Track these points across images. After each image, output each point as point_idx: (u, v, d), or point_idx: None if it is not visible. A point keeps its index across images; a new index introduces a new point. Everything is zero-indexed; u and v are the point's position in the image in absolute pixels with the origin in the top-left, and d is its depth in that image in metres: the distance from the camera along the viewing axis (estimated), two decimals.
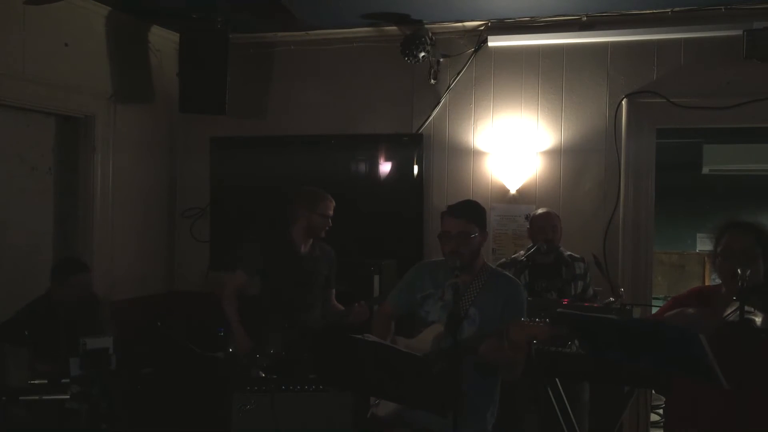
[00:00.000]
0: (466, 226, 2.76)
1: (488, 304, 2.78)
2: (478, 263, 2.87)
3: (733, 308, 2.37)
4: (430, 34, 4.85)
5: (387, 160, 5.11)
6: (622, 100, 4.69)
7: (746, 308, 2.32)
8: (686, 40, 4.55)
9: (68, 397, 3.26)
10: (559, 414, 3.75)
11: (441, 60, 4.97)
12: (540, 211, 4.26)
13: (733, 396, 2.30)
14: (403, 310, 2.99)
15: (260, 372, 3.71)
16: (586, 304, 3.89)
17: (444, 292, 2.75)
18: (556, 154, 4.82)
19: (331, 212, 4.06)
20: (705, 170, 7.78)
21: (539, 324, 2.49)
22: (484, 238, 2.85)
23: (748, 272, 2.35)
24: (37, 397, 3.27)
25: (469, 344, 2.66)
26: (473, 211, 2.84)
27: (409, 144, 5.05)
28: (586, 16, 4.67)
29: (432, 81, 4.98)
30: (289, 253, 4.05)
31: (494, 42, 4.87)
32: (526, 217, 4.46)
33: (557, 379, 3.78)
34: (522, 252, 4.20)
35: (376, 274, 4.55)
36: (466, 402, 2.62)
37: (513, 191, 4.86)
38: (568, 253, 4.20)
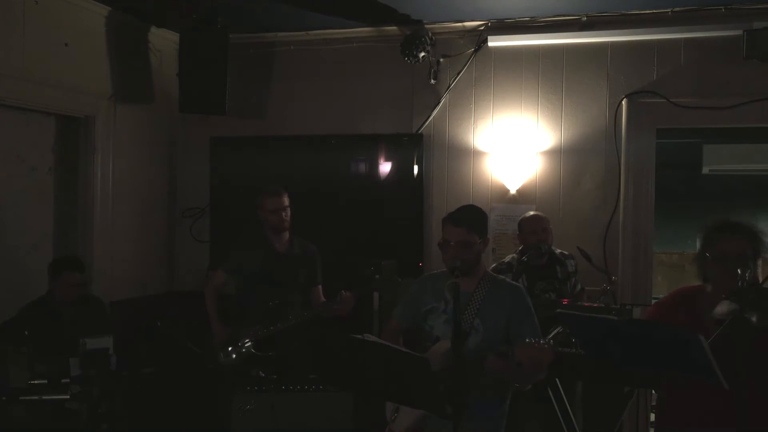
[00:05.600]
0: (465, 235, 2.73)
1: (492, 315, 2.76)
2: (480, 270, 2.85)
3: (724, 308, 2.38)
4: (430, 34, 4.85)
5: (387, 160, 5.11)
6: (622, 100, 4.69)
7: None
8: (686, 40, 4.55)
9: (68, 397, 3.26)
10: (559, 414, 3.76)
11: (441, 60, 4.97)
12: (529, 214, 4.28)
13: (730, 396, 2.30)
14: (408, 323, 2.97)
15: (260, 372, 3.71)
16: (586, 304, 3.90)
17: (446, 304, 2.75)
18: (556, 154, 4.82)
19: (279, 205, 4.04)
20: (705, 170, 7.77)
21: (545, 347, 2.47)
22: (484, 245, 2.82)
23: (748, 273, 2.37)
24: (37, 397, 3.27)
25: (474, 358, 2.65)
26: (473, 219, 2.80)
27: (409, 144, 5.05)
28: (586, 16, 4.67)
29: (432, 81, 4.98)
30: (265, 253, 4.08)
31: (494, 42, 4.87)
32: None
33: (557, 379, 3.79)
34: (515, 255, 4.20)
35: (376, 275, 4.55)
36: (474, 413, 2.61)
37: (513, 191, 4.86)
38: (559, 251, 4.22)
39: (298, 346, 3.99)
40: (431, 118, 5.06)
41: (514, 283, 2.94)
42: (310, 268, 4.17)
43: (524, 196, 4.85)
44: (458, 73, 4.99)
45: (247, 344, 3.86)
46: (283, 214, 4.06)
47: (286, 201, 4.09)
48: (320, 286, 4.19)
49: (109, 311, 4.52)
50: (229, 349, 3.88)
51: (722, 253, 2.51)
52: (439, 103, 5.04)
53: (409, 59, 4.83)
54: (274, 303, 3.97)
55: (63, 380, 3.34)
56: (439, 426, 2.56)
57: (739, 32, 4.33)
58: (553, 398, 3.79)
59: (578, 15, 4.68)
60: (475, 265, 2.80)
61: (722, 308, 2.38)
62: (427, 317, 2.86)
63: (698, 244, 2.63)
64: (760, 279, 2.54)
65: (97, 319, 4.05)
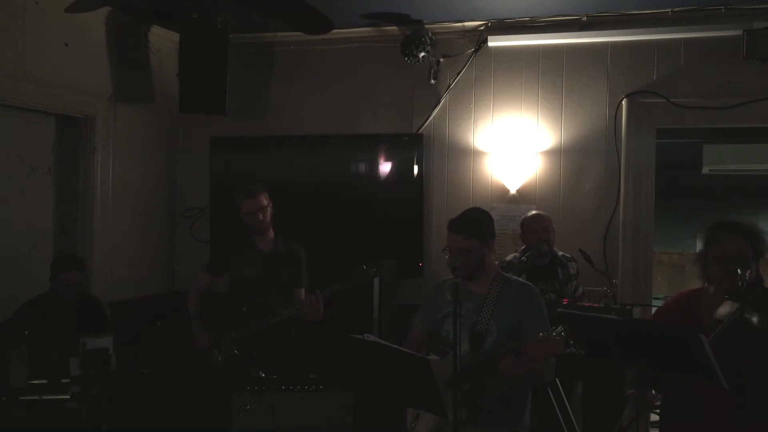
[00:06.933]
0: (463, 242, 2.75)
1: (505, 315, 2.77)
2: (489, 271, 2.85)
3: (726, 309, 2.38)
4: (430, 34, 4.85)
5: (387, 160, 5.11)
6: (622, 100, 4.69)
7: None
8: (686, 40, 4.55)
9: (68, 397, 3.26)
10: (558, 414, 3.76)
11: (441, 60, 4.97)
12: (531, 213, 4.28)
13: (731, 396, 2.30)
14: (429, 331, 2.98)
15: (260, 372, 3.71)
16: (586, 304, 3.90)
17: (461, 308, 2.75)
18: (556, 154, 4.82)
19: (255, 207, 3.94)
20: (705, 170, 7.78)
21: (555, 339, 2.48)
22: (489, 248, 2.82)
23: (748, 273, 2.37)
24: (37, 397, 3.27)
25: (488, 358, 2.66)
26: (473, 224, 2.80)
27: (409, 144, 5.05)
28: (586, 16, 4.67)
29: (432, 81, 4.98)
30: (249, 252, 4.02)
31: (494, 42, 4.87)
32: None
33: (557, 379, 3.78)
34: (517, 254, 4.20)
35: (375, 276, 4.54)
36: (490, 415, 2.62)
37: (513, 191, 4.86)
38: (561, 253, 4.22)
39: (294, 348, 4.00)
40: (431, 118, 5.06)
41: (526, 282, 2.94)
42: (294, 269, 4.07)
43: (524, 196, 4.85)
44: (458, 73, 4.99)
45: (231, 346, 3.86)
46: (260, 215, 3.94)
47: (263, 201, 3.97)
48: (303, 290, 4.05)
49: (108, 311, 4.52)
50: (214, 351, 3.87)
51: (722, 252, 2.51)
52: (439, 103, 5.04)
53: (409, 59, 4.83)
54: (256, 302, 3.91)
55: (63, 380, 3.34)
56: None
57: (739, 32, 4.33)
58: (552, 398, 3.79)
59: (578, 15, 4.67)
60: (480, 268, 2.80)
61: (724, 309, 2.38)
62: (444, 322, 2.87)
63: (700, 244, 2.63)
64: (764, 279, 2.54)
65: (94, 318, 4.05)
